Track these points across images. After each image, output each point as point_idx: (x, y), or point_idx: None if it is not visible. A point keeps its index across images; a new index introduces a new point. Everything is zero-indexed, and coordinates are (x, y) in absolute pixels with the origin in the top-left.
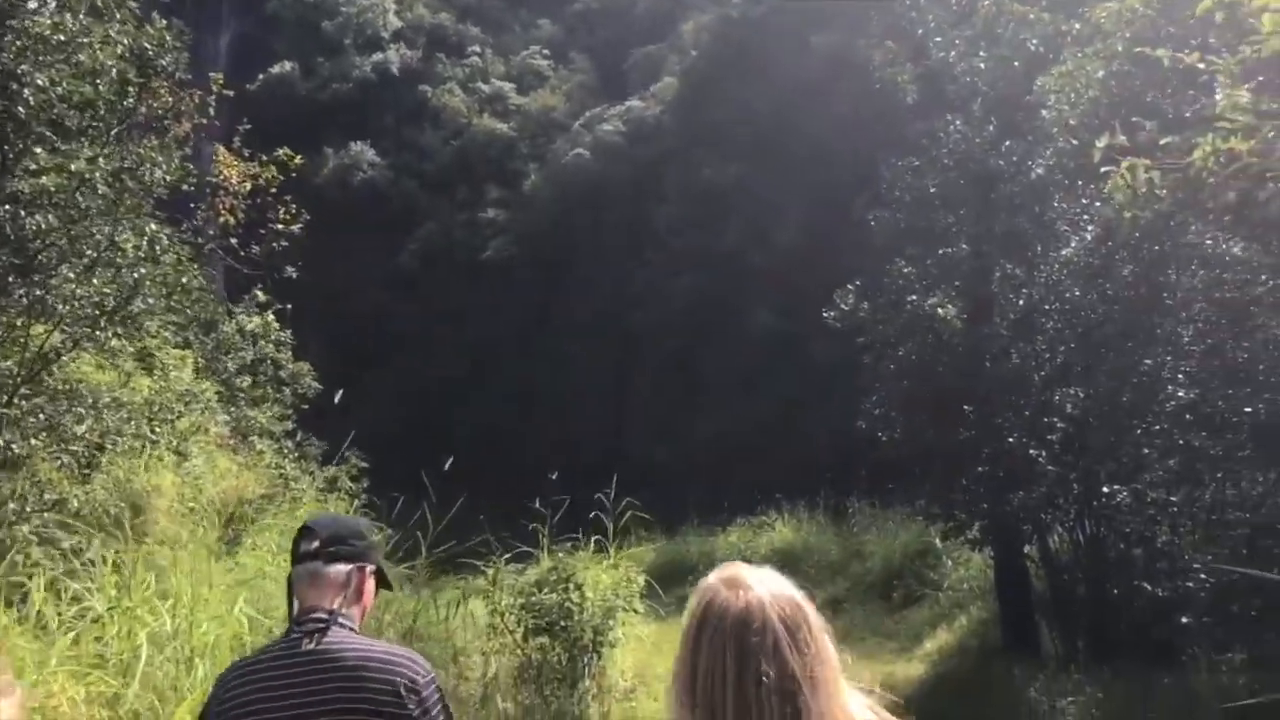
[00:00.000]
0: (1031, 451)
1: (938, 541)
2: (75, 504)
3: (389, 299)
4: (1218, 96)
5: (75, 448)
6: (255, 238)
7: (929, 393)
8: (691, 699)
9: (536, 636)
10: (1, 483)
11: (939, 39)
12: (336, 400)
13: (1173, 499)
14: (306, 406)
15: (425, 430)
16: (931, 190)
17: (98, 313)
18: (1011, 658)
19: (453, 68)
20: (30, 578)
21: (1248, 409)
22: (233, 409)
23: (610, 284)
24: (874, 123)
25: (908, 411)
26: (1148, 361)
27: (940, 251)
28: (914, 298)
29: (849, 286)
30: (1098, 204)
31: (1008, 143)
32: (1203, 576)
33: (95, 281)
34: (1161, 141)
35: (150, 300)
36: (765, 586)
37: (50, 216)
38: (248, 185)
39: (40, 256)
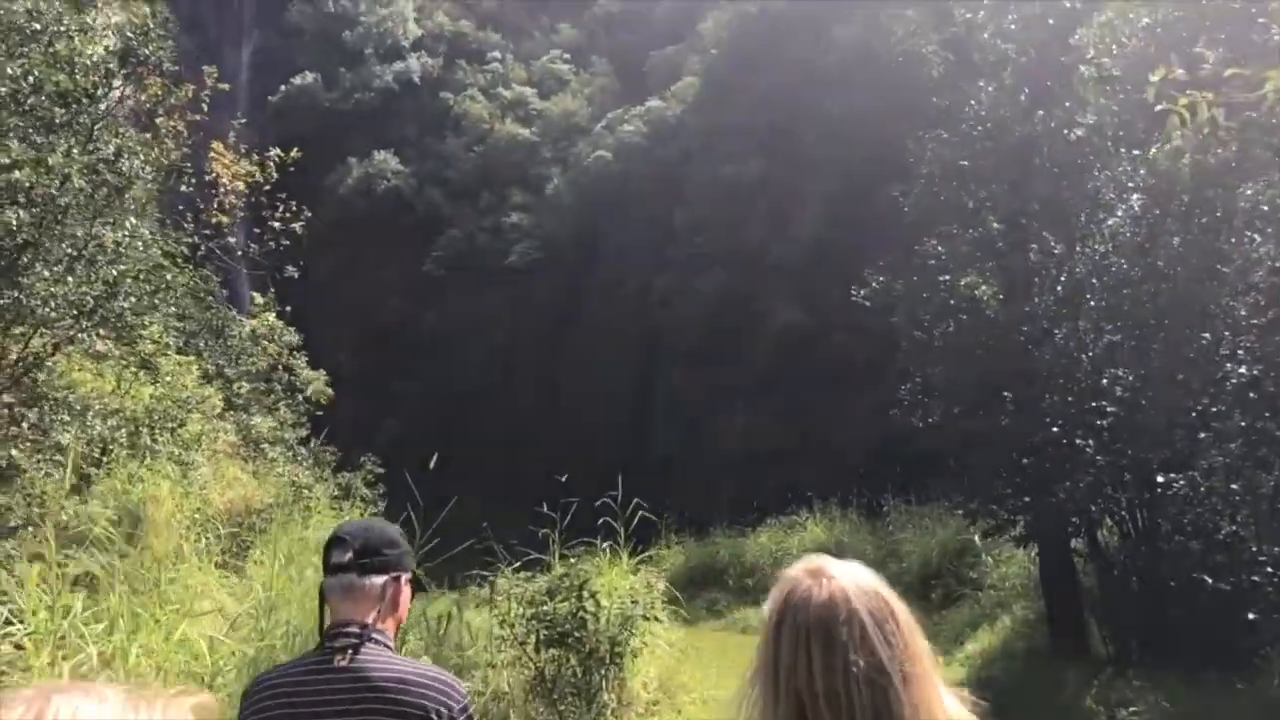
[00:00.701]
0: (1078, 439)
1: (977, 539)
2: (65, 517)
3: (414, 306)
4: None
5: (59, 458)
6: (254, 238)
7: (966, 378)
8: (775, 693)
9: (549, 648)
10: None
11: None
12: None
13: (1234, 486)
14: (320, 413)
15: (450, 436)
16: (962, 164)
17: (76, 313)
18: (1061, 660)
19: (474, 74)
20: None
21: None
22: (242, 415)
23: (633, 284)
24: (898, 110)
25: (944, 398)
26: (1204, 337)
27: (972, 229)
28: (947, 277)
29: (879, 262)
30: (1141, 171)
31: (1040, 112)
32: (1270, 570)
33: (70, 280)
34: (1226, 73)
35: (133, 299)
36: (850, 577)
37: (22, 213)
38: (240, 184)
39: (16, 255)
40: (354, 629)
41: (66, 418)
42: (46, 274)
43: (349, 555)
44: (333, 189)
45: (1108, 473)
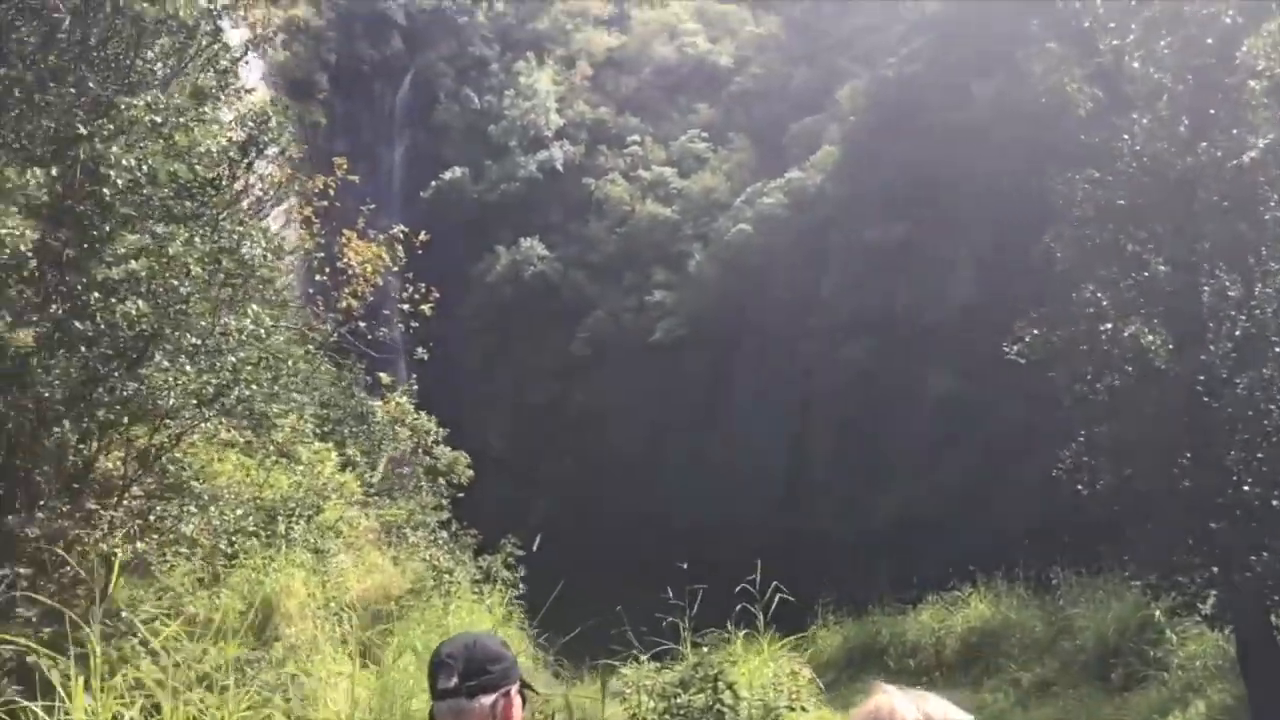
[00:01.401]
0: (1275, 500)
1: (1157, 614)
2: (195, 609)
3: (563, 386)
4: None
5: (184, 549)
6: (385, 321)
7: (1137, 435)
8: None
9: None
10: (125, 590)
11: (1111, 25)
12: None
13: None
14: (461, 495)
15: (601, 516)
16: (1119, 203)
17: (196, 402)
18: None
19: (614, 158)
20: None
21: None
22: (384, 500)
23: (780, 356)
24: (1043, 157)
25: (1112, 459)
26: None
27: (1134, 274)
28: (1108, 325)
29: (1031, 314)
30: None
31: (1204, 143)
32: None
33: (189, 370)
34: None
35: (254, 387)
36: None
37: (141, 303)
38: (369, 269)
39: (138, 347)
40: None
41: (193, 509)
42: (166, 364)
43: (454, 680)
44: (482, 277)
45: None
